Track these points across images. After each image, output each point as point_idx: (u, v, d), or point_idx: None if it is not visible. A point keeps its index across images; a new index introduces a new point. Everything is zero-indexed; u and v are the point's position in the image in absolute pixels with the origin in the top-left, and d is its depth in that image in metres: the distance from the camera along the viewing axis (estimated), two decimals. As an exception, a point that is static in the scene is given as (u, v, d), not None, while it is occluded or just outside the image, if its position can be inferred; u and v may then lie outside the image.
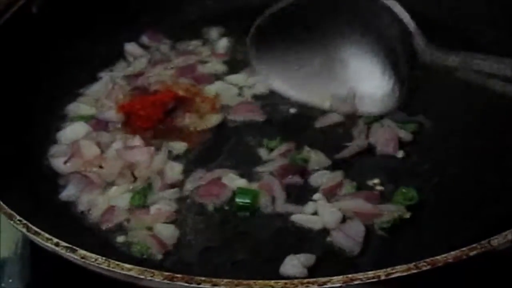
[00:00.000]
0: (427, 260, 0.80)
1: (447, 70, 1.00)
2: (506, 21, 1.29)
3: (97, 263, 0.86)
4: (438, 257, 0.81)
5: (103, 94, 1.29)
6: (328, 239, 1.02)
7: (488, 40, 1.29)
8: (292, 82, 1.15)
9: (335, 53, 1.16)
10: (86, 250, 0.88)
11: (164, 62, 1.36)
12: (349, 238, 1.00)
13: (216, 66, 1.34)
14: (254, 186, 1.09)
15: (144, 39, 1.41)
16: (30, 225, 0.91)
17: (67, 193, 1.12)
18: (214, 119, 1.22)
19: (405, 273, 0.79)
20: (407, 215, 1.03)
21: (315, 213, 1.05)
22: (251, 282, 0.81)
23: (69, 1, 1.34)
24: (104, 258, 0.86)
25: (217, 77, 1.31)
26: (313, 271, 0.97)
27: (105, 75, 1.33)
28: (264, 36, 1.15)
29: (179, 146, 1.18)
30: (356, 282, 0.80)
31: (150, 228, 1.05)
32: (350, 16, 1.09)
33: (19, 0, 1.27)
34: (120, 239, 1.04)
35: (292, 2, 1.11)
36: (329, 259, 0.99)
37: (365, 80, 1.17)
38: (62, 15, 1.32)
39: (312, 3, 1.10)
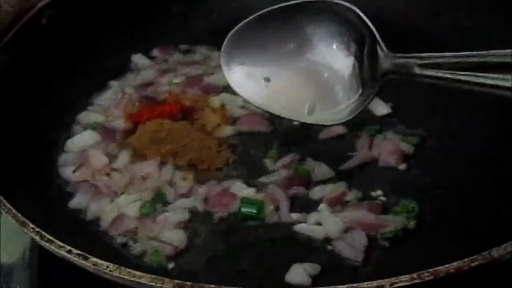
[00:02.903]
0: (430, 270, 0.82)
1: (409, 74, 1.01)
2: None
3: (109, 271, 0.87)
4: (440, 267, 0.82)
5: (112, 103, 1.31)
6: (331, 248, 1.03)
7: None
8: (264, 96, 1.11)
9: (303, 63, 1.11)
10: (96, 257, 0.90)
11: (172, 73, 1.38)
12: (351, 247, 1.03)
13: (221, 77, 1.32)
14: (261, 196, 1.11)
15: (155, 51, 1.43)
16: (43, 232, 0.93)
17: (76, 202, 1.13)
18: (226, 131, 1.24)
19: (408, 283, 0.81)
20: (409, 226, 1.05)
21: (318, 223, 1.07)
22: (259, 290, 0.83)
23: (78, 12, 1.35)
24: (115, 265, 0.87)
25: (223, 88, 1.32)
26: (316, 280, 0.99)
27: (115, 84, 1.35)
28: (233, 52, 1.12)
29: (187, 156, 1.19)
30: (360, 291, 0.82)
31: (158, 235, 1.07)
32: (317, 24, 1.07)
33: (29, 11, 1.29)
34: (129, 246, 1.06)
35: (260, 14, 1.10)
36: (332, 268, 1.01)
37: (330, 91, 1.11)
38: (71, 26, 1.34)
39: (279, 14, 1.09)
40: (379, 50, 1.00)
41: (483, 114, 1.20)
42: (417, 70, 0.97)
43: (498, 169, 1.12)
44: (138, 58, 1.41)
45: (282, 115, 1.09)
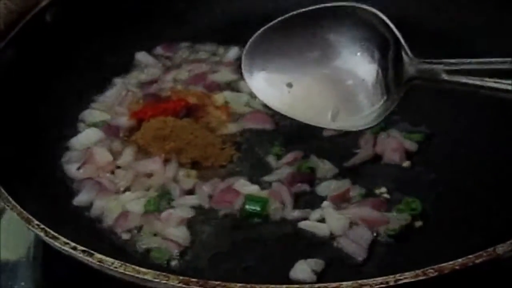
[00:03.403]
0: (435, 267, 0.82)
1: (434, 81, 1.01)
2: (498, 29, 1.32)
3: (114, 267, 0.87)
4: (444, 264, 0.82)
5: (117, 100, 1.31)
6: (335, 245, 1.04)
7: (480, 49, 1.31)
8: (286, 102, 1.12)
9: (326, 69, 1.12)
10: (100, 254, 0.90)
11: (175, 70, 1.38)
12: (355, 244, 1.03)
13: (225, 74, 1.35)
14: (265, 193, 1.11)
15: (159, 49, 1.43)
16: (48, 229, 0.93)
17: (80, 199, 1.13)
18: (230, 128, 1.24)
19: (413, 280, 0.81)
20: (413, 223, 1.05)
21: (322, 220, 1.07)
22: (264, 286, 0.83)
23: (82, 9, 1.36)
24: (120, 262, 0.87)
25: (227, 85, 1.33)
26: (321, 277, 0.99)
27: (119, 82, 1.35)
28: (255, 58, 1.12)
29: (192, 154, 1.20)
30: (365, 288, 0.82)
31: (162, 232, 1.07)
32: (340, 31, 1.07)
33: (33, 8, 1.29)
34: (134, 243, 1.06)
35: (282, 19, 1.10)
36: (336, 265, 1.01)
37: (353, 97, 1.12)
38: (75, 23, 1.34)
39: (301, 20, 1.09)
40: (404, 55, 1.00)
41: (487, 111, 1.20)
42: (444, 76, 0.97)
43: (502, 166, 1.12)
44: (142, 56, 1.41)
45: (305, 121, 1.09)
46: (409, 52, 1.00)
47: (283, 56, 1.09)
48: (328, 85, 1.09)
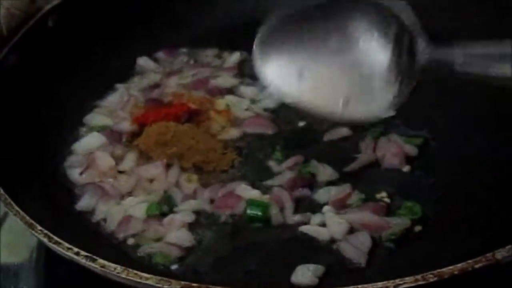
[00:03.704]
0: (434, 272, 0.82)
1: (446, 68, 1.00)
2: (498, 29, 1.31)
3: (116, 272, 0.87)
4: (444, 269, 0.83)
5: (119, 105, 1.31)
6: (336, 249, 1.04)
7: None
8: (297, 88, 1.10)
9: (339, 57, 1.11)
10: (103, 259, 0.90)
11: (177, 75, 1.38)
12: (355, 249, 1.03)
13: (227, 79, 1.36)
14: (266, 198, 1.11)
15: (160, 54, 1.44)
16: (51, 234, 0.93)
17: (83, 203, 1.14)
18: (231, 133, 1.25)
19: (412, 284, 0.82)
20: (413, 228, 1.05)
21: (323, 225, 1.07)
22: (266, 291, 0.84)
23: (84, 15, 1.36)
24: (123, 267, 0.88)
25: (228, 90, 1.33)
26: (321, 281, 0.99)
27: (121, 87, 1.36)
28: (268, 45, 1.11)
29: (193, 158, 1.20)
30: (365, 293, 0.82)
31: (165, 237, 1.07)
32: (355, 18, 1.07)
33: (35, 14, 1.30)
34: (136, 248, 1.07)
35: (295, 10, 1.07)
36: (336, 269, 1.01)
37: (365, 86, 1.11)
38: (77, 29, 1.35)
39: (316, 8, 1.07)
40: (418, 43, 1.00)
41: (487, 115, 1.21)
42: (457, 67, 0.97)
43: (503, 170, 1.12)
44: (143, 61, 1.41)
45: (316, 109, 1.08)
46: (424, 40, 1.00)
47: (296, 44, 1.08)
48: (341, 73, 1.08)
